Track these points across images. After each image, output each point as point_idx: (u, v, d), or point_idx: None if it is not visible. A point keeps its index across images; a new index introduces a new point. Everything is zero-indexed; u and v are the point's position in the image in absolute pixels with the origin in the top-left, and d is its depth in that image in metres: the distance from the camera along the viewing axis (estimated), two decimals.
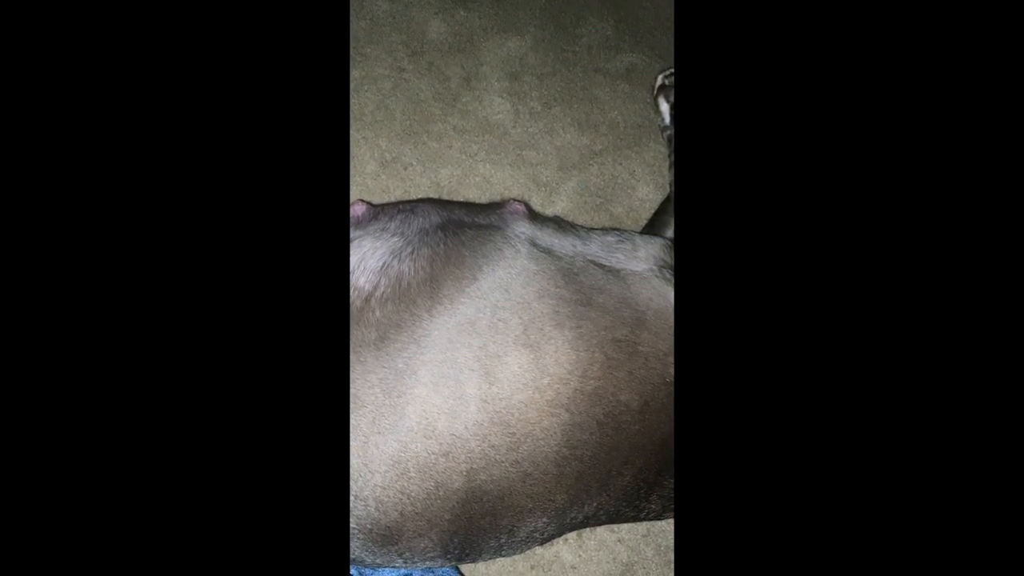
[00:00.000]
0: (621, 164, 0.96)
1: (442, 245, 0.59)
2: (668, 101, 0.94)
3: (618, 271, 0.62)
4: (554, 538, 0.61)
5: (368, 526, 0.54)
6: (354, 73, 0.95)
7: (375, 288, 0.56)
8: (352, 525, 0.54)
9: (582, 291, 0.58)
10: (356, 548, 0.56)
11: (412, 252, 0.58)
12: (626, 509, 0.60)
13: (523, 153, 0.95)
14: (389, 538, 0.55)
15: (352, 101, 0.94)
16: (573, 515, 0.57)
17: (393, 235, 0.61)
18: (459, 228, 0.61)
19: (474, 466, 0.52)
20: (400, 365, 0.53)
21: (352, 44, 0.97)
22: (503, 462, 0.53)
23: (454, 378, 0.52)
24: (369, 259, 0.58)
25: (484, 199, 0.92)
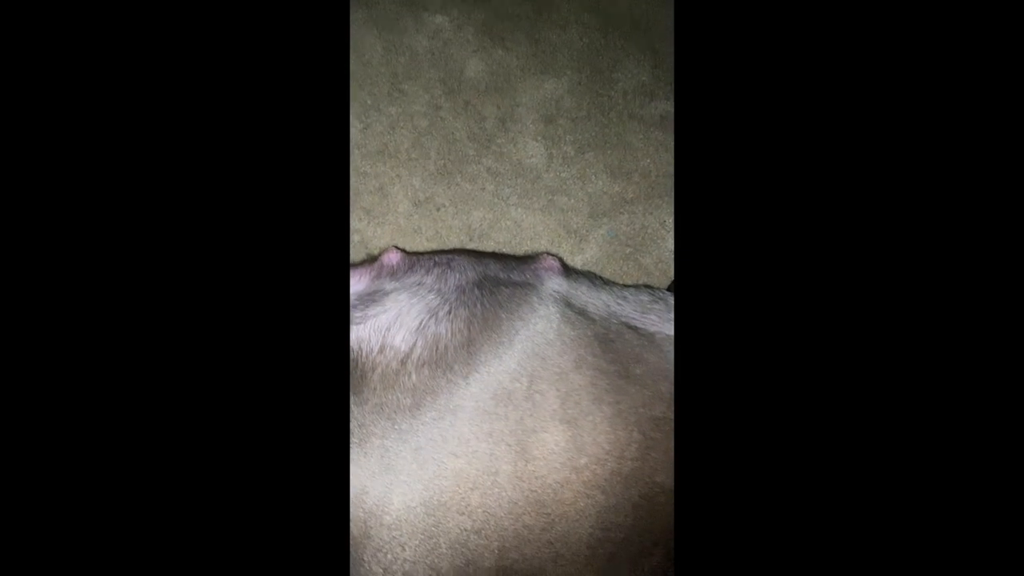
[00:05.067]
0: (652, 213, 0.96)
1: (479, 305, 0.58)
2: None
3: (652, 335, 0.61)
4: None
5: None
6: (391, 110, 0.95)
7: (412, 349, 0.56)
8: None
9: (619, 361, 0.57)
10: None
11: (449, 312, 0.58)
12: None
13: (554, 198, 0.94)
14: None
15: (388, 138, 0.93)
16: None
17: (430, 291, 0.60)
18: (495, 286, 0.60)
19: (506, 544, 0.51)
20: (436, 435, 0.52)
21: (390, 80, 0.96)
22: (535, 542, 0.52)
23: (489, 453, 0.52)
24: (406, 316, 0.58)
25: (515, 244, 0.91)
